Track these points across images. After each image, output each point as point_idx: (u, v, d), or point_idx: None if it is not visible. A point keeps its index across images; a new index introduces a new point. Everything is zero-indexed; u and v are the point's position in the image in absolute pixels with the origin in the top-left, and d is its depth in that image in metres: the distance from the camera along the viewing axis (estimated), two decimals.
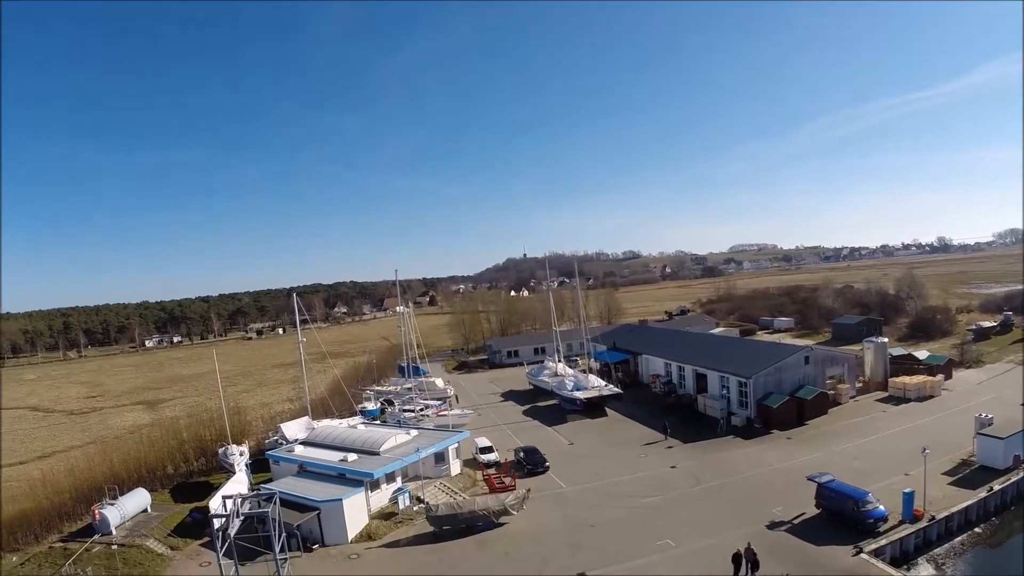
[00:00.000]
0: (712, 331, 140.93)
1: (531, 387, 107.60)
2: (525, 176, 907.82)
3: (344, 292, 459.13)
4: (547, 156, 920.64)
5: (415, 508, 57.36)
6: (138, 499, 61.14)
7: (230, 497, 42.33)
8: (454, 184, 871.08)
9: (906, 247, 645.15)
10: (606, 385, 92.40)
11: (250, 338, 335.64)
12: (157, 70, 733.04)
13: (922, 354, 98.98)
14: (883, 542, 44.95)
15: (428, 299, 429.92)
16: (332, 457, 62.33)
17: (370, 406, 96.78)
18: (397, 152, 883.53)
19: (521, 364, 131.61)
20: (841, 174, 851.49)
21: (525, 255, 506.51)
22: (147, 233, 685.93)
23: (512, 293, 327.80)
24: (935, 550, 46.65)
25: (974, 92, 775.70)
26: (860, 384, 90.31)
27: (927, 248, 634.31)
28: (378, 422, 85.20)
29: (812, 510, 50.36)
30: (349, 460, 60.77)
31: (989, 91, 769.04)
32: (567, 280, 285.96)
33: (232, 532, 39.42)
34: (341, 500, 52.72)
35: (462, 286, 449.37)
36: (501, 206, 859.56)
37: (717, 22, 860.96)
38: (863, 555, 43.54)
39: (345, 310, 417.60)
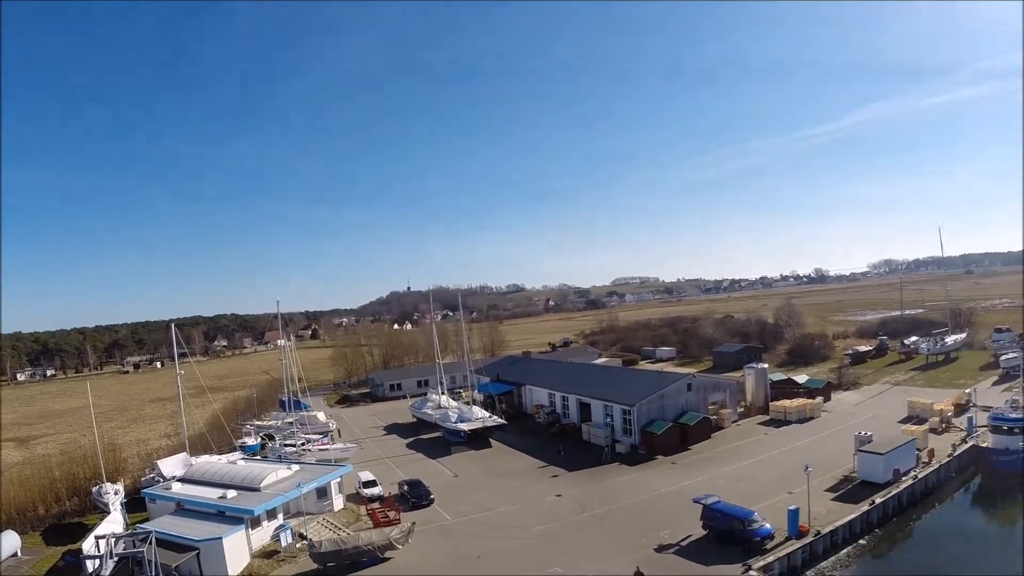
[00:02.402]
0: (595, 361, 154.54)
1: (415, 420, 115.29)
2: (407, 210, 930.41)
3: (225, 325, 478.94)
4: (427, 191, 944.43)
5: (298, 545, 59.97)
6: (8, 543, 62.22)
7: (103, 537, 43.83)
8: (339, 215, 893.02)
9: (784, 278, 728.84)
10: (490, 416, 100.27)
11: (127, 371, 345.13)
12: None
13: (801, 378, 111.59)
14: (771, 559, 50.30)
15: (310, 332, 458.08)
16: (211, 494, 64.37)
17: (250, 441, 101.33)
18: (280, 181, 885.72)
19: (404, 397, 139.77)
20: (723, 209, 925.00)
21: (409, 288, 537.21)
22: (17, 261, 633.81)
23: (395, 326, 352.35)
24: (822, 564, 52.66)
25: (850, 132, 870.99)
26: (742, 409, 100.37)
27: (805, 279, 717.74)
28: (259, 457, 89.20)
29: (699, 532, 55.71)
30: (229, 497, 62.98)
31: (864, 132, 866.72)
32: (451, 313, 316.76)
33: (106, 574, 40.74)
34: (221, 539, 54.50)
35: (345, 319, 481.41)
36: (384, 239, 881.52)
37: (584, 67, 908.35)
38: (752, 572, 48.50)
39: (225, 343, 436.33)
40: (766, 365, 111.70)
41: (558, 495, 69.77)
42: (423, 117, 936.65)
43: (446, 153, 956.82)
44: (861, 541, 56.36)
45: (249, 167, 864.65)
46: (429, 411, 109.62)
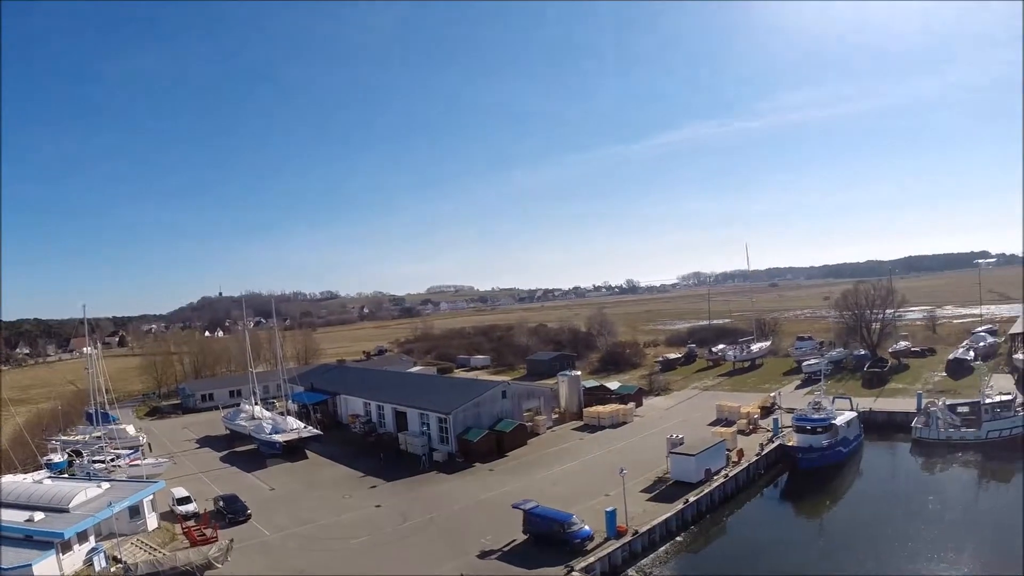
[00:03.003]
0: (410, 370, 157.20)
1: (228, 432, 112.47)
2: (221, 209, 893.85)
3: (27, 331, 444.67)
4: (239, 192, 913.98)
5: (112, 569, 56.96)
6: None
7: None
8: (148, 214, 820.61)
9: (597, 288, 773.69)
10: (305, 427, 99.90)
11: None
12: None
13: (614, 385, 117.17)
14: (592, 559, 51.30)
15: (118, 339, 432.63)
16: (16, 517, 60.97)
17: (56, 458, 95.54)
18: (87, 178, 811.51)
19: (217, 408, 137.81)
20: (539, 220, 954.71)
21: (221, 294, 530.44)
22: None
23: (207, 334, 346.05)
24: (642, 561, 54.52)
25: (669, 150, 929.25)
26: (556, 415, 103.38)
27: (617, 289, 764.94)
28: (66, 475, 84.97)
29: (520, 536, 56.96)
30: (36, 520, 60.11)
31: (685, 148, 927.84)
32: (263, 320, 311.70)
33: None
34: (30, 565, 52.89)
35: (154, 326, 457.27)
36: (197, 240, 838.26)
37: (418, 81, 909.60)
38: (574, 573, 49.22)
39: (28, 351, 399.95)
40: (579, 372, 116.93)
41: (378, 505, 69.72)
42: (241, 113, 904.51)
43: (261, 155, 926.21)
44: (678, 538, 58.79)
45: (51, 162, 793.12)
46: (242, 422, 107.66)
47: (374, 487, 76.66)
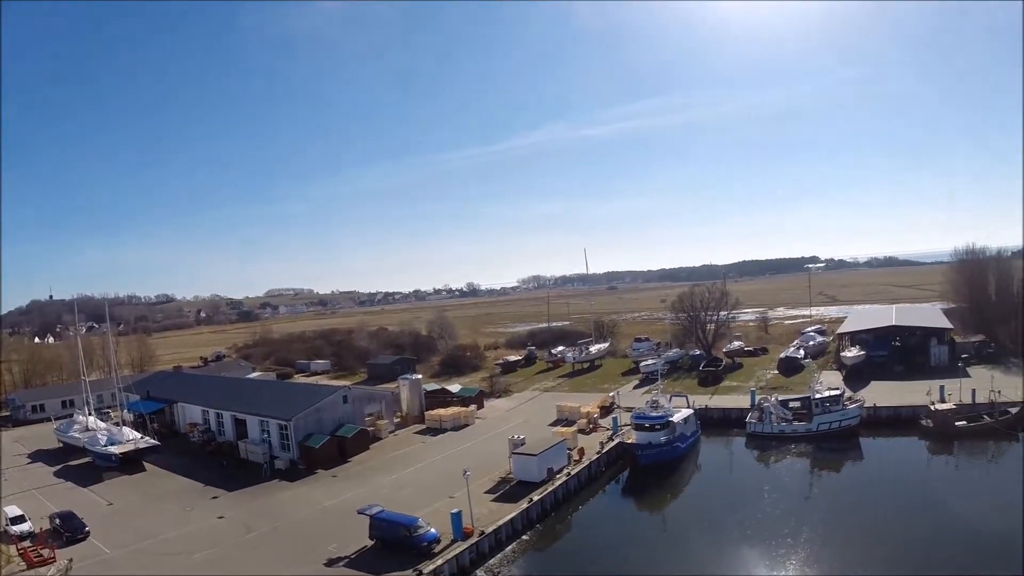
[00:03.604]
0: (249, 376, 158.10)
1: (61, 444, 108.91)
2: (48, 208, 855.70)
3: None
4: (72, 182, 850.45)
5: None
6: None
7: None
8: None
9: (438, 292, 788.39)
10: (142, 437, 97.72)
11: None
12: None
13: (455, 388, 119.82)
14: (440, 562, 52.76)
15: None
16: None
17: None
18: None
19: (49, 419, 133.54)
20: (381, 222, 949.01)
21: (51, 297, 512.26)
22: None
23: (36, 340, 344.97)
24: (490, 561, 56.50)
25: (516, 154, 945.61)
26: (399, 419, 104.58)
27: (457, 293, 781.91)
28: None
29: (368, 542, 57.87)
30: None
31: (526, 153, 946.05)
32: (96, 325, 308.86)
33: None
34: None
35: None
36: (26, 241, 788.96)
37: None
38: None
39: None
40: (420, 376, 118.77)
41: (221, 517, 68.81)
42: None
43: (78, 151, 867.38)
44: (524, 537, 61.23)
45: None
46: (76, 434, 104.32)
47: (216, 498, 75.55)
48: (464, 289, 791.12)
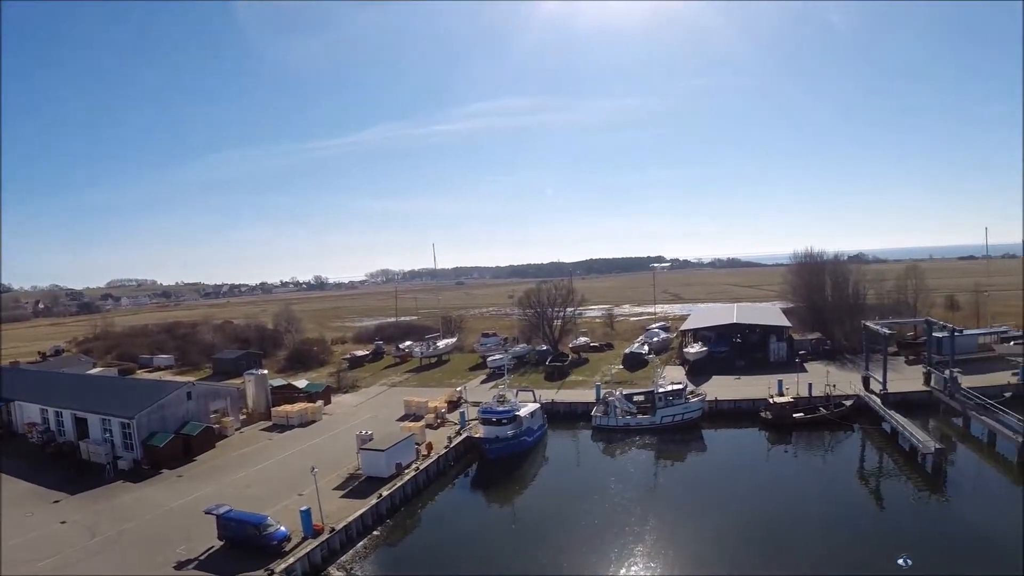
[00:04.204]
0: (90, 371, 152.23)
1: None
2: None
3: None
4: None
5: None
6: None
7: None
8: None
9: (285, 284, 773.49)
10: None
11: None
12: None
13: (302, 383, 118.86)
14: (291, 560, 52.72)
15: None
16: None
17: None
18: None
19: None
20: (225, 212, 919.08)
21: None
22: None
23: None
24: (342, 558, 56.87)
25: (358, 147, 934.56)
26: (244, 416, 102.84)
27: (304, 286, 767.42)
28: None
29: (217, 542, 56.87)
30: None
31: (365, 148, 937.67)
32: None
33: None
34: None
35: None
36: None
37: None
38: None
39: None
40: (266, 371, 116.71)
41: (63, 522, 66.03)
42: None
43: None
44: (375, 532, 61.97)
45: None
46: None
47: (57, 502, 72.22)
48: (311, 282, 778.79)
